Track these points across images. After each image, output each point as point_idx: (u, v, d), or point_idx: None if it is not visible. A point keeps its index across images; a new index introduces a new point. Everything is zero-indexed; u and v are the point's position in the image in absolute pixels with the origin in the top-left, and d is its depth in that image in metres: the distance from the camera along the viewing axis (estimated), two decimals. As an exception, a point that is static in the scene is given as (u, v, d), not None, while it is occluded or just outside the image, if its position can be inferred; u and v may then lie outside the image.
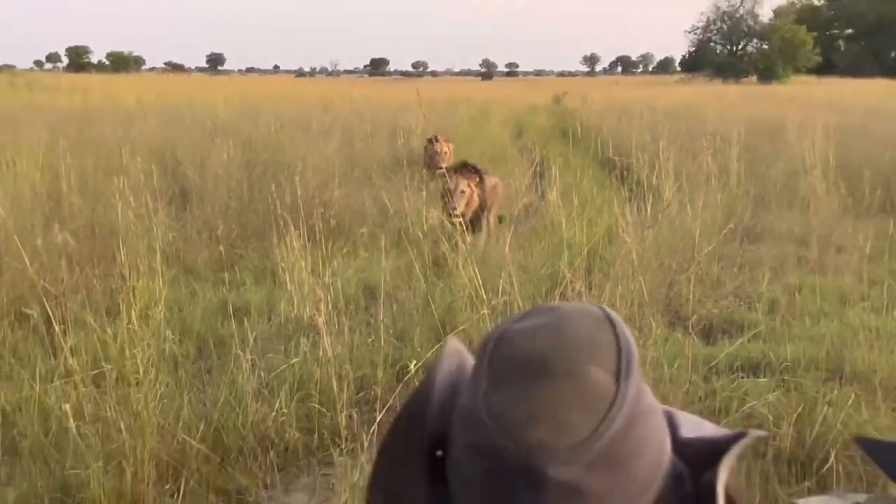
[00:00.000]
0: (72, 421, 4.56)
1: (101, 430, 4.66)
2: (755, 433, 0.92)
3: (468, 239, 8.35)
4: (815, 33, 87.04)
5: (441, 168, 11.88)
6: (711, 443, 0.93)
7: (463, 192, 9.06)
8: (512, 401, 0.85)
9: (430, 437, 0.92)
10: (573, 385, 0.84)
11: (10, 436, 5.00)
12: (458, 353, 0.99)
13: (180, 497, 4.64)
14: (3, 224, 8.58)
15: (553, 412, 0.83)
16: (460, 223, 8.38)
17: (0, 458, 4.83)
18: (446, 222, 8.79)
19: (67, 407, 4.61)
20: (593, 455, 0.82)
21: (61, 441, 4.74)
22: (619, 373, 0.85)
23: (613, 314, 0.92)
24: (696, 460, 0.91)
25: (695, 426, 0.98)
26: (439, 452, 0.92)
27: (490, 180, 9.82)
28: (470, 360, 0.98)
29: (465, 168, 9.64)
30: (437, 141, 13.20)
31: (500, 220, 10.20)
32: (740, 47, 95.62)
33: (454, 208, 8.85)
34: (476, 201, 9.30)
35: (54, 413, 4.87)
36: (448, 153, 12.93)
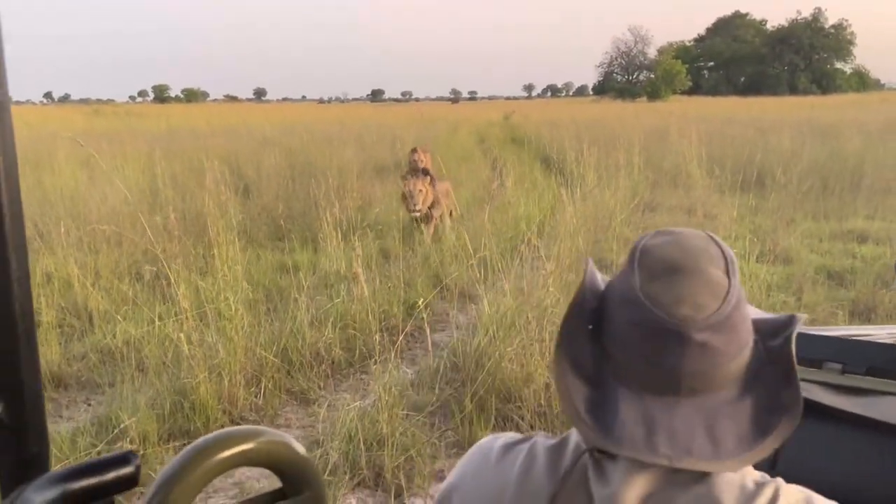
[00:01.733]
0: (185, 345, 4.61)
1: (204, 351, 4.70)
2: (803, 316, 0.99)
3: (425, 231, 8.55)
4: (687, 65, 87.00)
5: (419, 171, 11.76)
6: (773, 321, 1.00)
7: (421, 191, 8.53)
8: (663, 290, 0.94)
9: (590, 315, 1.00)
10: (700, 279, 0.93)
11: (139, 358, 5.02)
12: (592, 267, 1.07)
13: (261, 396, 4.69)
14: (120, 210, 8.58)
15: (691, 296, 0.92)
16: (418, 217, 8.54)
17: (133, 373, 4.86)
18: (409, 215, 8.72)
19: (181, 335, 4.65)
20: (717, 323, 0.91)
21: (176, 359, 4.79)
22: (728, 272, 0.95)
23: (715, 235, 1.02)
24: (764, 332, 0.99)
25: (755, 312, 1.05)
26: (590, 326, 1.00)
27: (441, 185, 9.23)
28: (597, 273, 1.08)
29: (419, 172, 9.05)
30: (416, 151, 12.18)
31: (451, 215, 9.31)
32: (634, 76, 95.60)
33: (415, 205, 8.49)
34: (430, 198, 8.73)
35: (170, 340, 4.90)
36: (426, 160, 11.74)
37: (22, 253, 0.62)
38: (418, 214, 8.54)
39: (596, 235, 7.71)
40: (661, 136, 16.91)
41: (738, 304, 0.94)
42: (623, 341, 0.96)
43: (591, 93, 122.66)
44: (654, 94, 78.51)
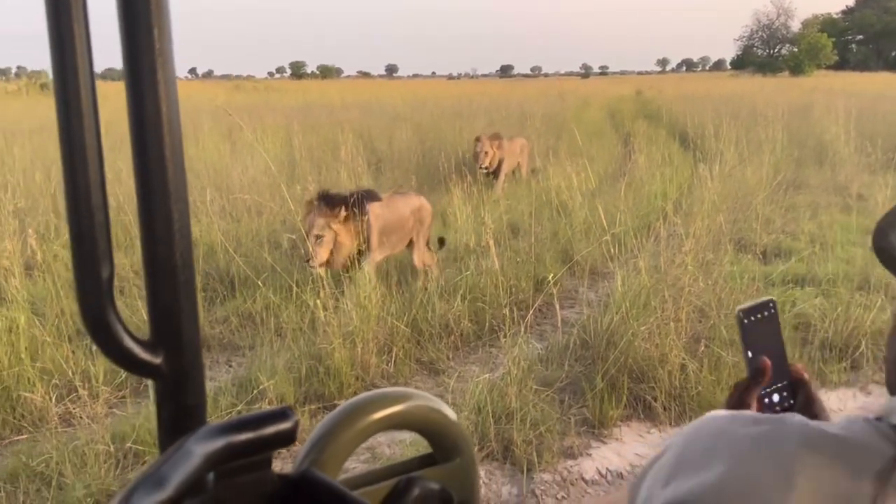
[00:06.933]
0: (321, 311, 4.72)
1: (340, 318, 4.80)
2: None
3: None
4: (833, 39, 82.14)
5: (483, 166, 9.85)
6: None
7: (319, 237, 5.27)
8: None
9: None
10: None
11: (277, 322, 5.20)
12: None
13: (392, 364, 4.77)
14: (260, 181, 8.87)
15: None
16: (322, 274, 5.27)
17: (271, 337, 5.02)
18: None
19: (318, 301, 4.77)
20: None
21: (312, 326, 4.92)
22: None
23: None
24: None
25: None
26: None
27: (406, 202, 6.06)
28: None
29: (326, 201, 5.34)
30: (479, 140, 10.08)
31: (441, 242, 6.76)
32: (776, 50, 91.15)
33: (308, 259, 5.31)
34: (347, 244, 5.38)
35: (307, 306, 5.04)
36: (490, 153, 9.83)
37: (183, 205, 0.60)
38: (318, 269, 5.31)
39: (735, 214, 7.40)
40: (805, 111, 16.07)
41: None
42: None
43: (728, 67, 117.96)
44: (796, 68, 74.52)
